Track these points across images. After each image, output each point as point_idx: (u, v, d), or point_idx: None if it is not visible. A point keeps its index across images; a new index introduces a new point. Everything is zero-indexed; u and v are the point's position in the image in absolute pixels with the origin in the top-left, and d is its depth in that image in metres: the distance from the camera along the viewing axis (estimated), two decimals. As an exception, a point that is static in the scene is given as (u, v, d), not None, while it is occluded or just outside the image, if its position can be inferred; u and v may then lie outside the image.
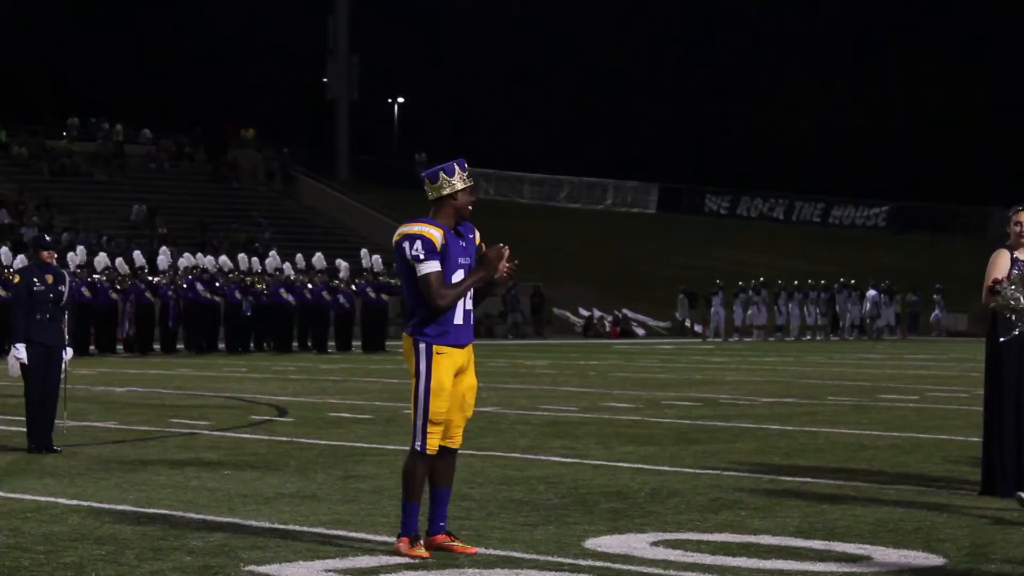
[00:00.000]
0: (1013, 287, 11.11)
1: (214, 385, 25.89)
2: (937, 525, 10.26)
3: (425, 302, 8.93)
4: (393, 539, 9.27)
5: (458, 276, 8.96)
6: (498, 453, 14.63)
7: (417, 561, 8.77)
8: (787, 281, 55.97)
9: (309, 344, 41.24)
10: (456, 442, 9.18)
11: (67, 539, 9.53)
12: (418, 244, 8.84)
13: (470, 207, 9.09)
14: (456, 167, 9.03)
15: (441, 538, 9.15)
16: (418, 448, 8.99)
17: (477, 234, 9.20)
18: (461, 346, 9.05)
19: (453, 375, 9.02)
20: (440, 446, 9.07)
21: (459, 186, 9.01)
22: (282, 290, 40.89)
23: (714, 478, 12.76)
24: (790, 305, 55.00)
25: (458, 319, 9.01)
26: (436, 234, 8.89)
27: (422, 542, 9.04)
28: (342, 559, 8.84)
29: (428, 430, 8.96)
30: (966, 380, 26.25)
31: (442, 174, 9.01)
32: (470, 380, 9.12)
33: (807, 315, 55.25)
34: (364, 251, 44.12)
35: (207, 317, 40.18)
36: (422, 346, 8.95)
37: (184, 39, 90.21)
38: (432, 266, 8.84)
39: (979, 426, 12.26)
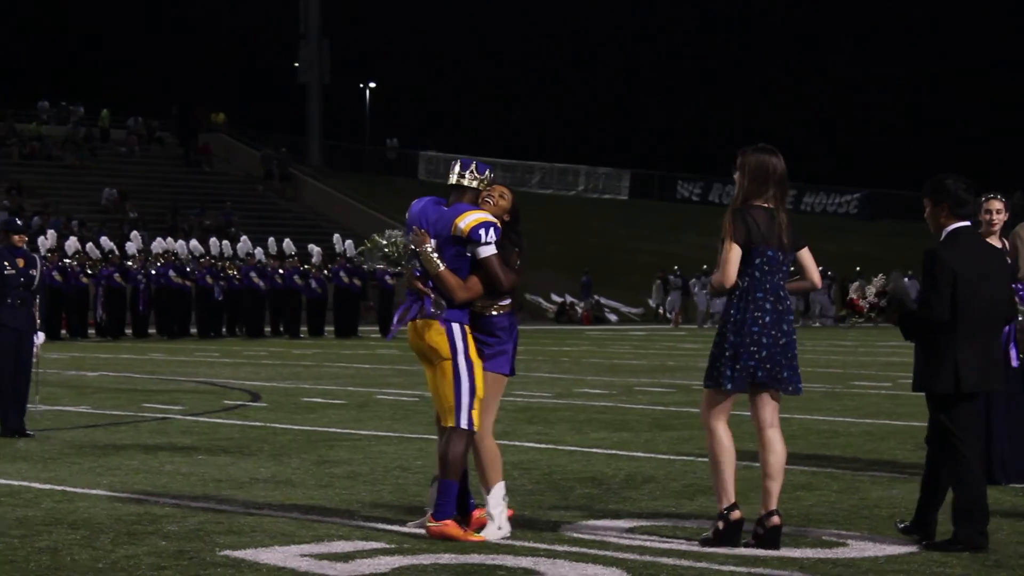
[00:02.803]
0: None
1: (186, 370, 25.84)
2: (911, 511, 10.27)
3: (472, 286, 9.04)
4: (368, 524, 9.29)
5: None
6: (472, 438, 14.61)
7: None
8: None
9: (281, 329, 41.19)
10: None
11: (41, 523, 9.50)
12: (492, 231, 9.01)
13: None
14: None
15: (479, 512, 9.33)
16: (465, 426, 9.10)
17: None
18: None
19: None
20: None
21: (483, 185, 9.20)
22: (253, 274, 40.79)
23: (688, 464, 12.77)
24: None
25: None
26: None
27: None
28: (317, 544, 8.83)
29: (474, 406, 9.09)
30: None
31: (477, 170, 9.15)
32: None
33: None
34: (337, 236, 43.96)
35: (178, 302, 40.10)
36: (455, 326, 9.08)
37: (155, 23, 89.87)
38: (494, 249, 9.00)
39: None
